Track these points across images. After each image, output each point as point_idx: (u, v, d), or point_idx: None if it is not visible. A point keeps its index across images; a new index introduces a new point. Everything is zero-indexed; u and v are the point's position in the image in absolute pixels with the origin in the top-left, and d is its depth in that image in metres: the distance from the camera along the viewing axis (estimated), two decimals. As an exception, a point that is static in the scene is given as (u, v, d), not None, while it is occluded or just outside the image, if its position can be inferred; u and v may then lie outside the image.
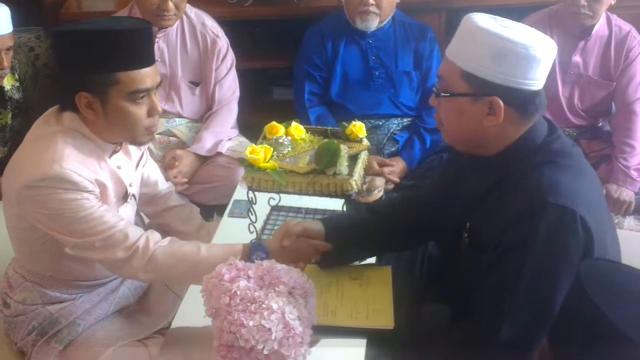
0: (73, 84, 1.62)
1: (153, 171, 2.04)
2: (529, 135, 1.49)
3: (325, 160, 1.75)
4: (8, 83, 2.68)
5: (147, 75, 1.63)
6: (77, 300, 1.84)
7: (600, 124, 3.00)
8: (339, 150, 1.75)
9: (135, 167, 1.88)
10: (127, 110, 1.63)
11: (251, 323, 1.33)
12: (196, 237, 1.98)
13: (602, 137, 2.96)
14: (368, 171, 2.25)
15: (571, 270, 1.31)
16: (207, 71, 2.83)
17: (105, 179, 1.70)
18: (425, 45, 2.92)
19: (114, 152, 1.76)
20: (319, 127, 2.03)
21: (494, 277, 1.44)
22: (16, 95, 2.73)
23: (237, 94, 2.90)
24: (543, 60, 1.42)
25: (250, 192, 1.83)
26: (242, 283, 1.39)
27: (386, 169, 2.78)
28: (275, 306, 1.35)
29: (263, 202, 1.92)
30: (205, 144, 2.75)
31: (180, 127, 2.87)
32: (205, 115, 2.88)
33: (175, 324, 1.68)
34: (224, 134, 2.81)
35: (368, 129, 2.04)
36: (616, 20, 2.83)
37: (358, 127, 1.91)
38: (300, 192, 1.78)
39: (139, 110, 1.65)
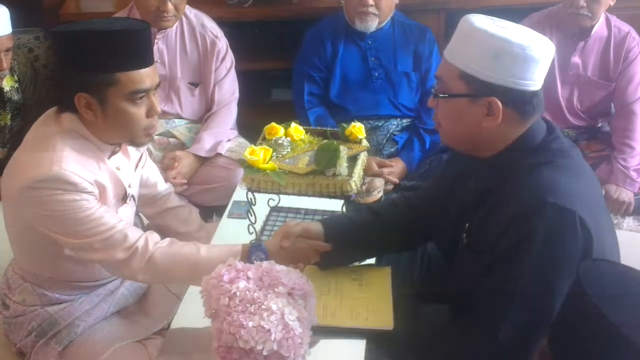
0: (72, 84, 1.61)
1: (152, 172, 2.04)
2: (527, 136, 1.49)
3: (324, 161, 1.75)
4: (7, 84, 2.68)
5: (146, 76, 1.63)
6: (77, 301, 1.84)
7: (600, 124, 3.01)
8: (338, 151, 1.74)
9: (134, 168, 1.88)
10: (126, 110, 1.63)
11: (250, 324, 1.32)
12: (195, 238, 1.97)
13: (601, 137, 2.96)
14: (367, 172, 2.25)
15: (570, 271, 1.31)
16: (206, 72, 2.83)
17: (105, 180, 1.70)
18: (425, 46, 2.92)
19: (113, 153, 1.76)
20: (319, 128, 2.02)
21: (493, 278, 1.44)
22: (15, 97, 2.73)
23: (237, 95, 2.91)
24: (541, 61, 1.42)
25: (250, 193, 1.82)
26: (242, 284, 1.39)
27: (385, 170, 2.78)
28: (274, 307, 1.35)
29: (262, 203, 1.92)
30: (205, 145, 2.75)
31: (179, 128, 2.87)
32: (204, 116, 2.88)
33: (175, 324, 1.68)
34: (223, 135, 2.81)
35: (367, 130, 2.04)
36: (615, 21, 2.83)
37: (357, 128, 1.91)
38: (299, 193, 1.78)
39: (138, 111, 1.65)
